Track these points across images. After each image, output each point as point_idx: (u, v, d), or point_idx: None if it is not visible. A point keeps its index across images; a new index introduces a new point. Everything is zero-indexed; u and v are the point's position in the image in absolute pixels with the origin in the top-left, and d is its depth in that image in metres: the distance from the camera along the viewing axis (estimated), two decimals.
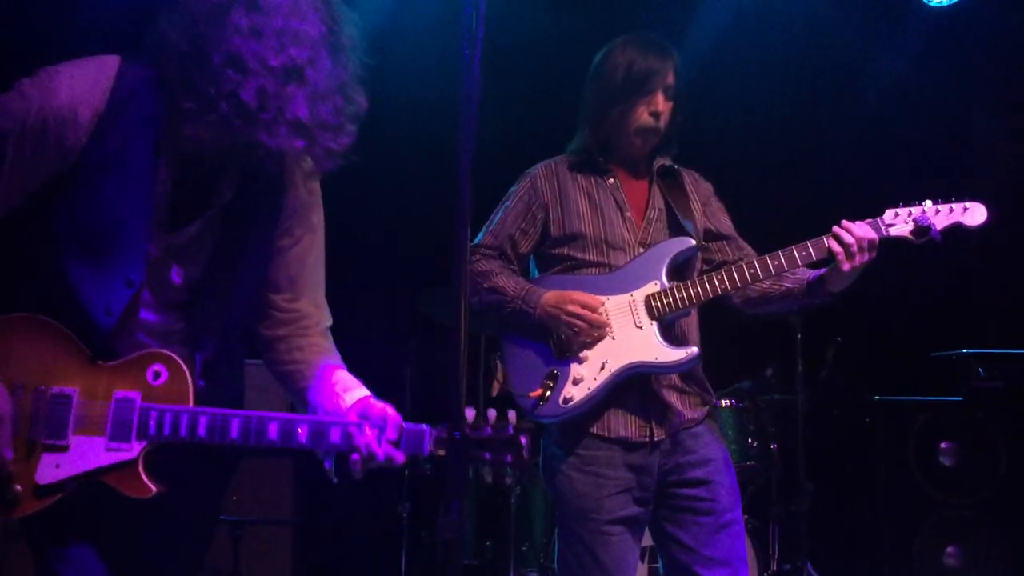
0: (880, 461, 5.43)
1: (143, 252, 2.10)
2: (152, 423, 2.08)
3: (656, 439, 3.03)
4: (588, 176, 3.18)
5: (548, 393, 3.00)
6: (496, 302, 3.09)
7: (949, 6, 5.86)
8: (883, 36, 6.13)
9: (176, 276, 2.16)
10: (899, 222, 3.00)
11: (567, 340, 3.02)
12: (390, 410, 2.20)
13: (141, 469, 2.08)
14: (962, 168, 6.27)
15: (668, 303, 3.01)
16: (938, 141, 6.30)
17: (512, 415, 2.16)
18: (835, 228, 2.98)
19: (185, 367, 2.12)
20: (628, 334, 3.01)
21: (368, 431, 2.13)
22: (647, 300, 3.02)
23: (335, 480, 2.24)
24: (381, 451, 2.12)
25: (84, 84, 2.06)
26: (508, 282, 3.09)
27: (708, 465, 3.06)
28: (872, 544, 5.56)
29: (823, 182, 6.21)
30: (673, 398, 3.07)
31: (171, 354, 2.13)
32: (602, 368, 2.99)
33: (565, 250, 3.13)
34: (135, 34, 2.15)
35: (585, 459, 3.02)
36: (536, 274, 3.24)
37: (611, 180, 3.18)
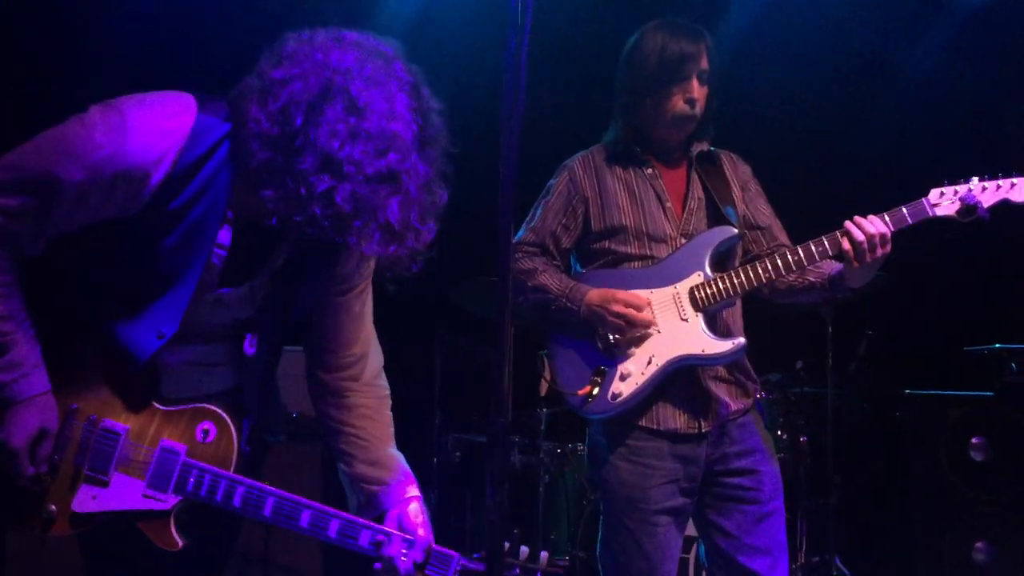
0: (910, 456, 5.38)
1: (182, 309, 2.06)
2: (192, 480, 2.11)
3: (704, 430, 3.04)
4: (626, 167, 3.15)
5: (596, 390, 3.01)
6: (541, 300, 3.08)
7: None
8: (917, 24, 6.08)
9: (223, 317, 2.16)
10: (944, 201, 2.95)
11: (614, 338, 3.02)
12: (423, 528, 2.24)
13: (172, 522, 2.11)
14: (998, 159, 6.21)
15: (712, 294, 2.99)
16: (974, 129, 6.24)
17: (544, 556, 2.19)
18: (846, 224, 2.94)
19: (234, 430, 2.16)
20: (674, 327, 3.00)
21: (396, 545, 2.17)
22: (691, 292, 3.01)
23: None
24: (403, 568, 2.15)
25: (160, 141, 1.95)
26: (552, 280, 3.08)
27: (753, 455, 3.09)
28: (901, 539, 5.52)
29: (859, 171, 6.17)
30: (720, 389, 3.08)
31: (223, 415, 2.16)
32: (649, 362, 2.99)
33: (607, 244, 3.11)
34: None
35: (633, 450, 3.03)
36: (578, 269, 3.22)
37: (649, 170, 3.15)
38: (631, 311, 2.98)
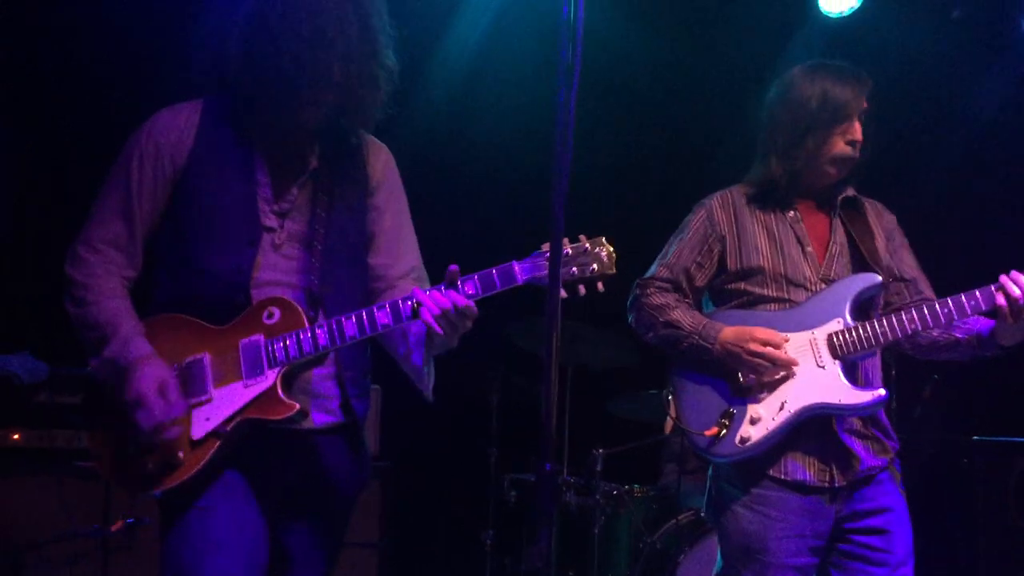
0: (979, 503, 5.24)
1: (256, 219, 2.46)
2: (279, 351, 2.38)
3: (836, 485, 2.90)
4: (766, 208, 3.08)
5: (723, 432, 2.90)
6: (672, 336, 3.00)
7: None
8: (985, 66, 6.00)
9: (284, 233, 2.48)
10: None
11: (748, 378, 2.93)
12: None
13: (280, 391, 2.36)
14: None
15: (852, 341, 2.89)
16: None
17: (582, 238, 2.40)
18: (1001, 278, 2.82)
19: (294, 302, 2.42)
20: (809, 373, 2.89)
21: (428, 302, 2.38)
22: (829, 339, 2.91)
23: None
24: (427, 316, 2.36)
25: (181, 115, 2.53)
26: (684, 316, 3.01)
27: (887, 514, 2.94)
28: None
29: (920, 214, 6.07)
30: (855, 443, 2.95)
31: (279, 295, 2.44)
32: (781, 408, 2.88)
33: (742, 285, 3.04)
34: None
35: (756, 498, 2.92)
36: (711, 308, 3.15)
37: (791, 213, 3.09)
38: (770, 349, 2.88)
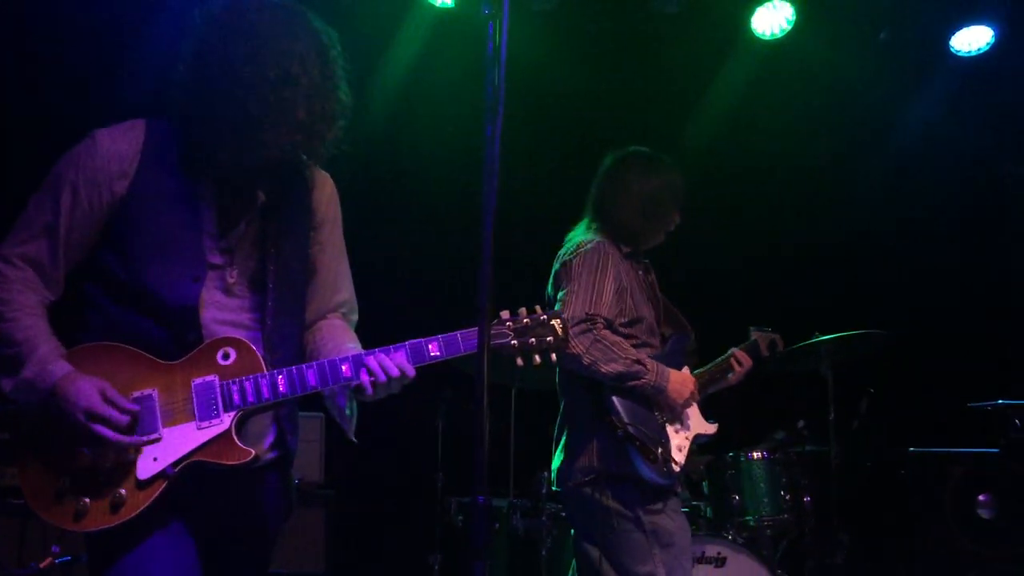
0: (916, 514, 5.35)
1: (202, 255, 2.38)
2: (236, 395, 2.31)
3: None
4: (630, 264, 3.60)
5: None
6: (637, 373, 3.35)
7: (977, 55, 5.90)
8: (913, 87, 6.17)
9: (233, 272, 2.42)
10: None
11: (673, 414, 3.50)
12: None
13: (235, 437, 2.29)
14: (996, 221, 6.25)
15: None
16: (969, 190, 6.29)
17: (538, 308, 2.50)
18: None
19: (251, 344, 2.36)
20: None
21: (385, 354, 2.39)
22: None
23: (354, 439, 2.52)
24: (392, 363, 2.37)
25: (123, 140, 2.40)
26: (643, 356, 3.41)
27: None
28: None
29: (853, 232, 6.20)
30: None
31: (235, 335, 2.36)
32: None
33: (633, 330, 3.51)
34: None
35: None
36: None
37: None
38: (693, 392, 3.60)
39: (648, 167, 3.69)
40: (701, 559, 4.21)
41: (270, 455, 2.46)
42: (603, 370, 3.32)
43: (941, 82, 6.11)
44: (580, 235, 3.60)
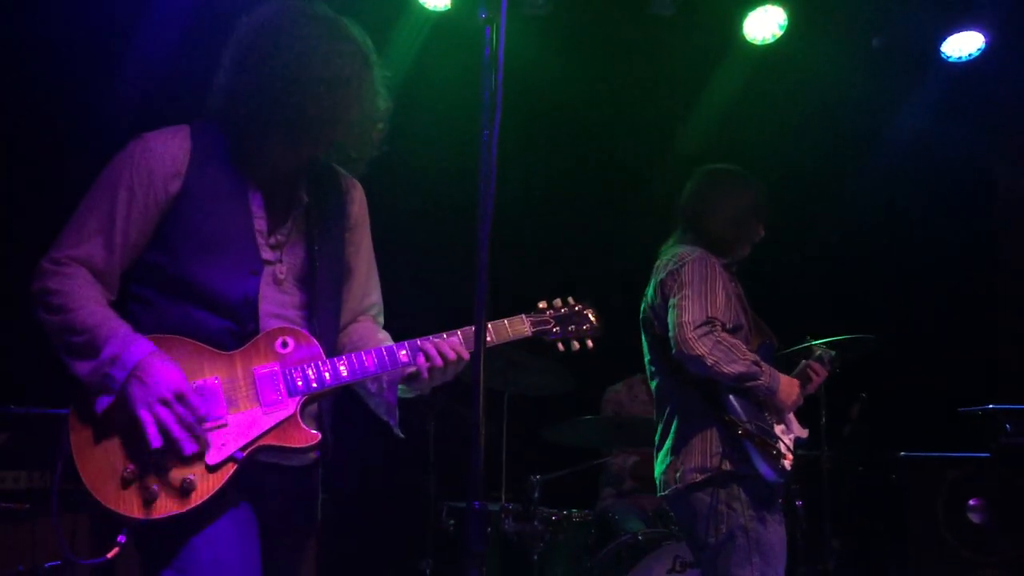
0: (908, 518, 5.35)
1: (256, 251, 2.46)
2: (299, 380, 2.38)
3: None
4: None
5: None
6: (756, 374, 3.49)
7: (968, 61, 5.92)
8: (904, 92, 6.18)
9: (283, 267, 2.50)
10: None
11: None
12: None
13: (300, 420, 2.35)
14: (987, 225, 6.27)
15: None
16: (960, 194, 6.31)
17: (571, 299, 2.61)
18: None
19: (307, 332, 2.44)
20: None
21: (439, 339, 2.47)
22: None
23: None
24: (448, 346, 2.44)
25: (172, 142, 2.47)
26: (759, 359, 3.54)
27: None
28: None
29: (844, 237, 6.21)
30: None
31: (291, 326, 2.45)
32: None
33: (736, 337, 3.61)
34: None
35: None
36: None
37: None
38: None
39: (738, 183, 3.90)
40: (691, 564, 4.21)
41: (317, 453, 2.50)
42: (725, 370, 3.44)
43: (932, 87, 6.13)
44: (676, 247, 3.78)
